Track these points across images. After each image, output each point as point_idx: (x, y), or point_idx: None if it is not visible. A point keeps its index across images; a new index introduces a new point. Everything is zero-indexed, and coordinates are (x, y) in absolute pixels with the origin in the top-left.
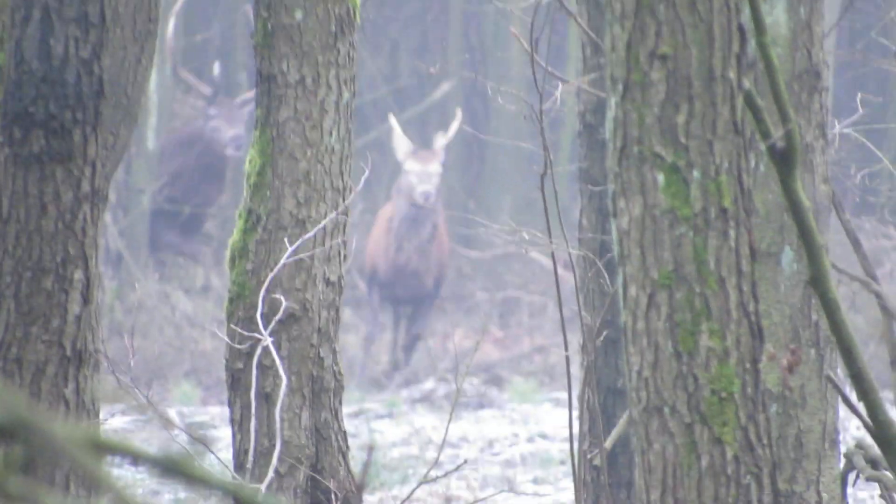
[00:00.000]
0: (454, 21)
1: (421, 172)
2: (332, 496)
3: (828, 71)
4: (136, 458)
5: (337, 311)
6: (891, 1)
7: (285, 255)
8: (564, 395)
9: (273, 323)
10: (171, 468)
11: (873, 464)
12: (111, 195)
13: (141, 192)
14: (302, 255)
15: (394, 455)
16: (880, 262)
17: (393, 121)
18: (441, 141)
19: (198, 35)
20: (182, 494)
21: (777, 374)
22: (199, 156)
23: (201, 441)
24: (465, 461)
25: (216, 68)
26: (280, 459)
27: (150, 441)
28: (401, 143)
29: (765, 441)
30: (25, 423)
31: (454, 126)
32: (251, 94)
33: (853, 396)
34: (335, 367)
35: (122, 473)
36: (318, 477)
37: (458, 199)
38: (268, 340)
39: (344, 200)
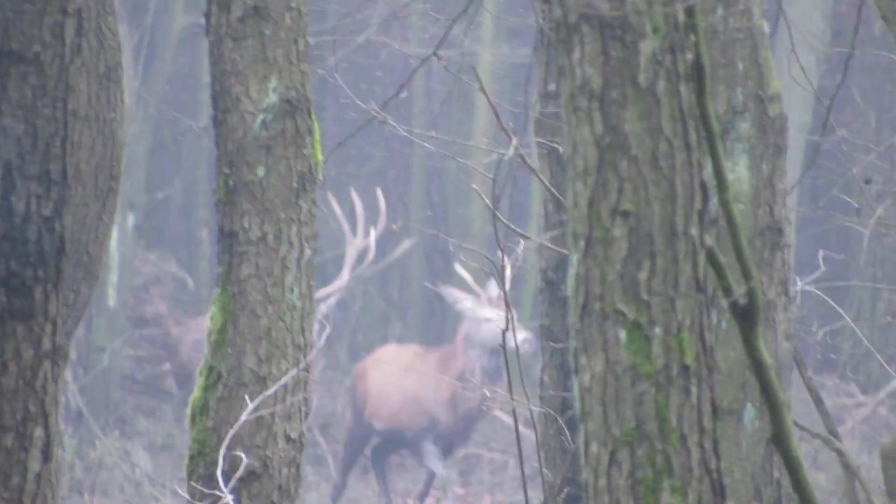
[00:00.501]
0: (416, 178)
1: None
2: None
3: (790, 227)
4: None
5: (298, 468)
6: (852, 158)
7: (245, 413)
8: None
9: (234, 480)
10: None
11: None
12: (71, 352)
13: (102, 349)
14: (263, 412)
15: None
16: (842, 420)
17: (461, 270)
18: (496, 290)
19: (159, 192)
20: None
21: None
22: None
23: None
24: None
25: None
26: None
27: None
28: (465, 292)
29: None
30: None
31: (508, 272)
32: (327, 290)
33: None
34: None
35: None
36: None
37: None
38: (228, 499)
39: (305, 357)
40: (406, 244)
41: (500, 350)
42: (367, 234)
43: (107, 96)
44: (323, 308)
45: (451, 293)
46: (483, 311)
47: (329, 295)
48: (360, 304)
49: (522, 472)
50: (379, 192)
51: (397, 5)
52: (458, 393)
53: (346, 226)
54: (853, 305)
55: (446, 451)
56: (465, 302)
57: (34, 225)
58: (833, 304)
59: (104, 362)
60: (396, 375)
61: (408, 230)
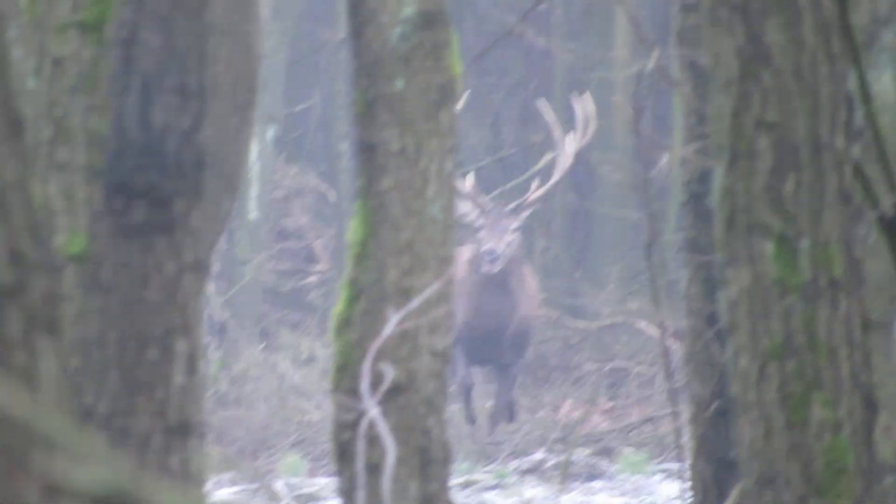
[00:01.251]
0: (557, 90)
1: None
2: None
3: None
4: None
5: (444, 381)
6: None
7: (389, 326)
8: (676, 467)
9: (379, 393)
10: None
11: None
12: (215, 265)
13: (244, 263)
14: (407, 326)
15: None
16: None
17: None
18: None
19: (299, 105)
20: None
21: (892, 446)
22: (476, 273)
23: None
24: None
25: (470, 179)
26: None
27: None
28: None
29: None
30: (131, 493)
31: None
32: (527, 197)
33: None
34: (443, 438)
35: None
36: None
37: (564, 268)
38: (374, 411)
39: (448, 270)
40: (548, 157)
41: None
42: (581, 137)
43: (243, 8)
44: (523, 217)
45: None
46: None
47: (534, 201)
48: None
49: (671, 386)
50: (587, 97)
51: None
52: None
53: (559, 131)
54: None
55: None
56: None
57: (173, 138)
58: None
59: (247, 275)
60: None
61: (549, 143)
